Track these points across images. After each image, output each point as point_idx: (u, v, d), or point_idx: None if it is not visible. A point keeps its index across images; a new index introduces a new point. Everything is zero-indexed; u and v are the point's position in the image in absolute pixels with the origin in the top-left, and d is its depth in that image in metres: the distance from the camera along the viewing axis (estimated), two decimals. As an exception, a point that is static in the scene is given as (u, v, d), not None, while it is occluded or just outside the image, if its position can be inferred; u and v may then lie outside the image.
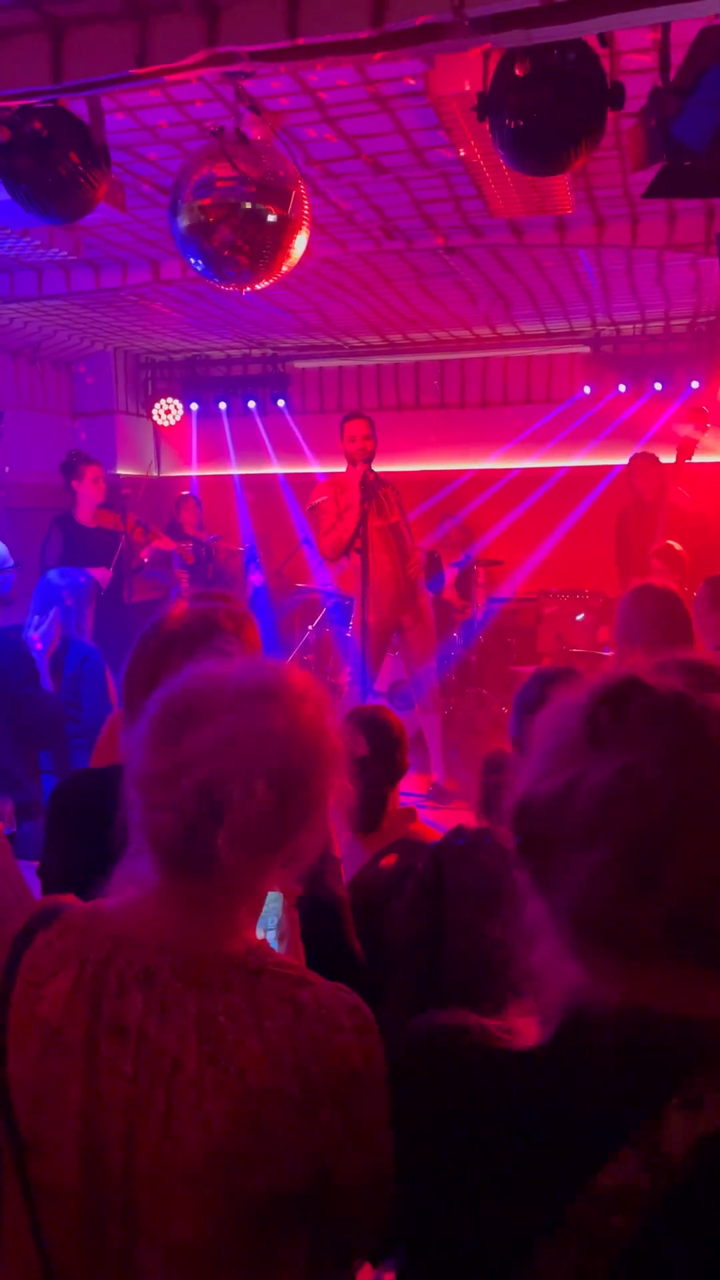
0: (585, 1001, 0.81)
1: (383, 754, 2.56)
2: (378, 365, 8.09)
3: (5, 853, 1.52)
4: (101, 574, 5.40)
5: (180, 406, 8.14)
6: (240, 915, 1.07)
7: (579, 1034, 0.81)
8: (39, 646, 3.23)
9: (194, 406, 8.16)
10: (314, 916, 1.53)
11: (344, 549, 5.44)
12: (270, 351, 8.00)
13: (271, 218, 2.61)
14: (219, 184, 2.61)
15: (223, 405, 8.12)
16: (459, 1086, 0.86)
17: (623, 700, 0.82)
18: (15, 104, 2.64)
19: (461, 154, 3.47)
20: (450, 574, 7.00)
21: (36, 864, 2.22)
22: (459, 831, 1.81)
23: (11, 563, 3.16)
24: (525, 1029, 0.86)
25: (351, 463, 5.33)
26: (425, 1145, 0.88)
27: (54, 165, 2.65)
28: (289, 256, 2.75)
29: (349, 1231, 1.06)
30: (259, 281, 2.79)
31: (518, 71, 2.26)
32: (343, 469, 5.60)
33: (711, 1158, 0.73)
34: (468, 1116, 0.84)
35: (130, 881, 1.08)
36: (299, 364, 8.17)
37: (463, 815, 4.82)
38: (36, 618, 3.27)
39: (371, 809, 2.50)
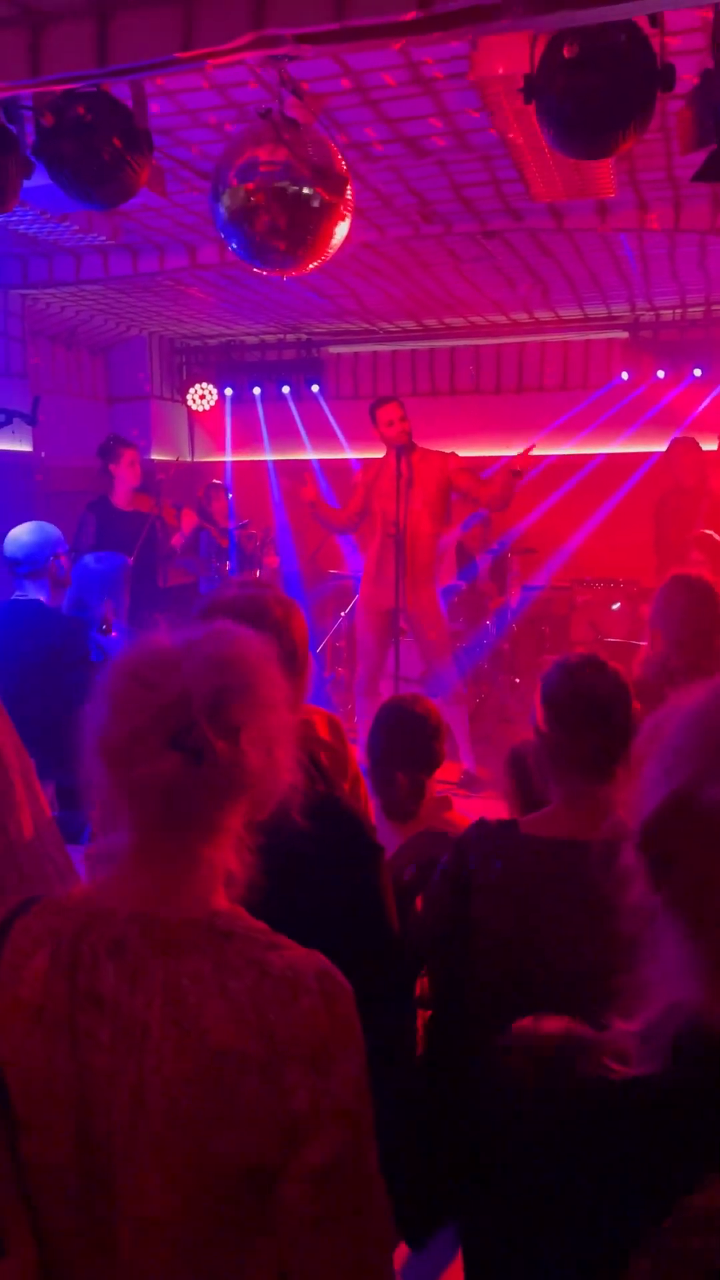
0: (707, 1026, 0.77)
1: (419, 744, 2.57)
2: (412, 351, 8.04)
3: (54, 836, 1.53)
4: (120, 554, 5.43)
5: (214, 391, 8.14)
6: (196, 880, 1.07)
7: (697, 1060, 0.77)
8: (108, 631, 3.26)
9: (228, 392, 8.16)
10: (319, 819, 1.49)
11: (341, 524, 5.60)
12: (305, 337, 7.97)
13: (315, 202, 2.60)
14: (262, 168, 2.59)
15: (257, 390, 8.12)
16: (566, 1106, 0.82)
17: None
18: (59, 88, 2.64)
19: (506, 136, 3.42)
20: (484, 562, 6.96)
21: (84, 847, 2.24)
22: (483, 824, 1.79)
23: (66, 547, 3.20)
24: (625, 1046, 0.81)
25: (391, 447, 5.30)
26: (518, 1156, 0.84)
27: (97, 150, 2.65)
28: (331, 242, 2.73)
29: (319, 1232, 1.00)
30: (300, 267, 2.78)
31: (566, 53, 2.23)
32: (375, 454, 5.60)
33: None
34: (571, 1134, 0.80)
35: (105, 860, 1.10)
36: (333, 349, 8.14)
37: (494, 803, 4.81)
38: (78, 601, 3.30)
39: (411, 799, 2.51)
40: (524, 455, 5.10)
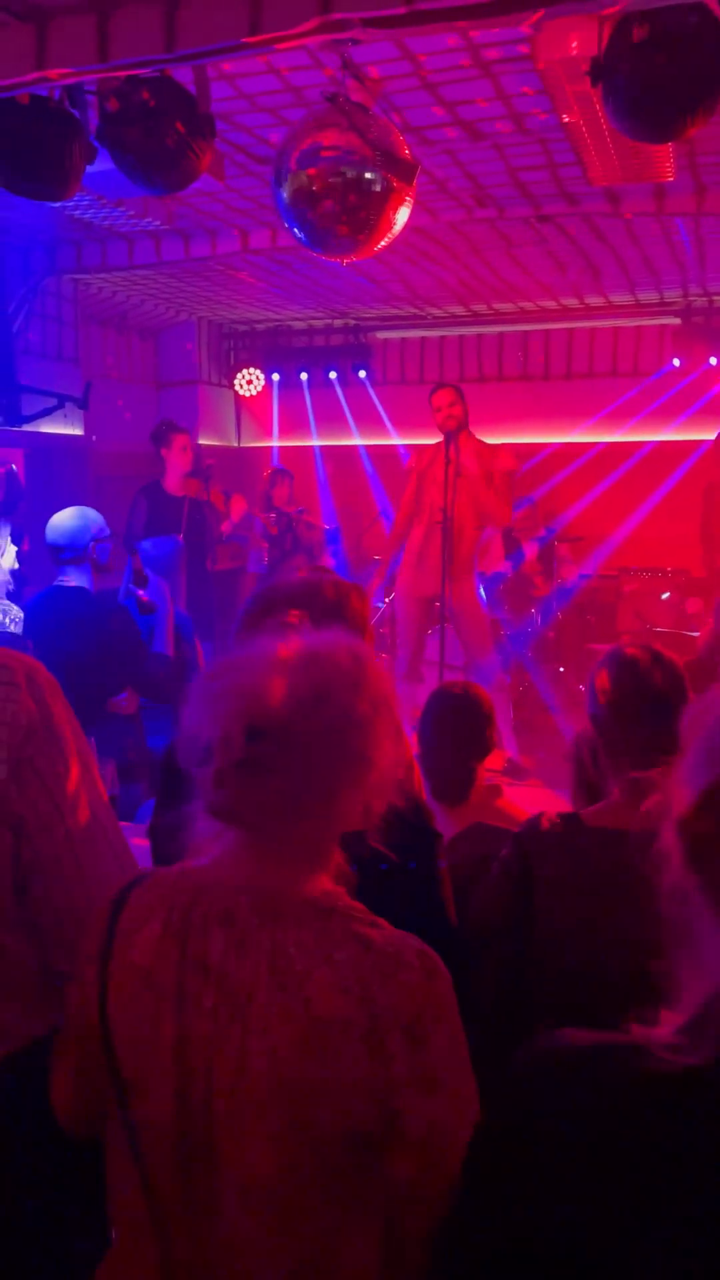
0: None
1: (471, 730, 2.58)
2: (460, 336, 8.00)
3: (111, 819, 1.56)
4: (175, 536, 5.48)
5: (262, 377, 8.16)
6: (300, 866, 1.11)
7: None
8: (155, 611, 3.27)
9: (275, 377, 8.18)
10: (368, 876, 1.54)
11: (405, 528, 5.59)
12: (352, 322, 7.96)
13: (377, 187, 2.59)
14: (324, 153, 2.60)
15: (304, 376, 8.12)
16: (622, 1102, 0.79)
17: None
18: (124, 74, 2.66)
19: (565, 119, 3.39)
20: (531, 550, 6.92)
21: (137, 825, 2.29)
22: (543, 817, 1.79)
23: (109, 532, 3.20)
24: (670, 1040, 0.80)
25: (441, 433, 5.29)
26: (575, 1168, 0.80)
27: (161, 136, 2.67)
28: (391, 227, 2.73)
29: (414, 1202, 1.05)
30: (362, 252, 2.79)
31: (636, 35, 2.20)
32: (423, 440, 5.60)
33: None
34: (628, 1141, 0.78)
35: (209, 838, 1.14)
36: (381, 334, 8.12)
37: (538, 792, 4.80)
38: (131, 586, 3.31)
39: (459, 783, 2.52)
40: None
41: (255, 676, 1.08)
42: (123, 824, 1.79)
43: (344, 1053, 1.01)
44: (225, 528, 6.19)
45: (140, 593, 3.24)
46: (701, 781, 0.79)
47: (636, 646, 1.79)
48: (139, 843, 1.96)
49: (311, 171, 2.62)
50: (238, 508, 6.29)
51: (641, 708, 1.68)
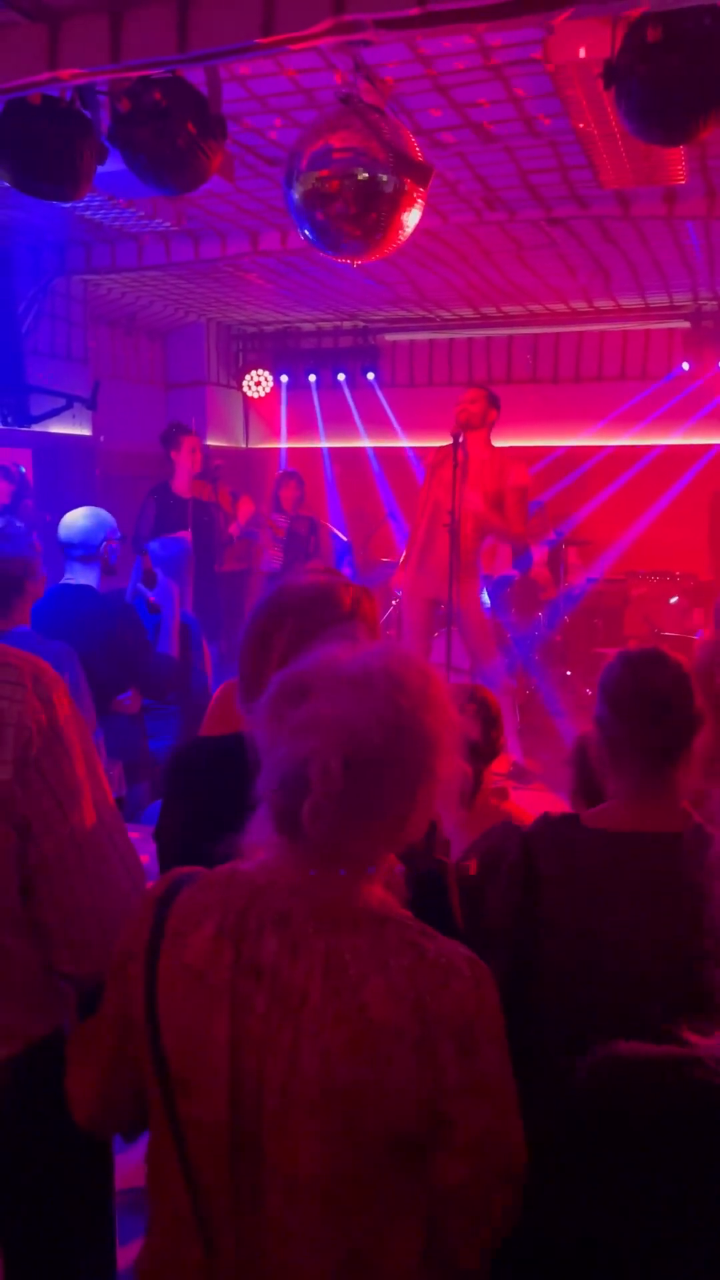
0: None
1: (479, 732, 2.57)
2: (469, 339, 7.99)
3: (116, 820, 1.56)
4: (183, 533, 5.48)
5: (270, 378, 8.16)
6: (358, 876, 1.12)
7: None
8: (160, 612, 3.26)
9: (284, 378, 8.18)
10: (420, 888, 1.56)
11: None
12: (361, 324, 7.96)
13: (389, 189, 2.59)
14: (336, 154, 2.59)
15: (312, 378, 8.12)
16: (685, 1117, 0.80)
17: None
18: (136, 74, 2.66)
19: (579, 123, 3.38)
20: (539, 553, 6.91)
21: (142, 826, 2.28)
22: (547, 819, 1.79)
23: (119, 534, 3.20)
24: None
25: (455, 424, 5.28)
26: (634, 1177, 0.82)
27: (173, 136, 2.67)
28: (402, 229, 2.73)
29: (462, 1205, 1.07)
30: (372, 253, 2.78)
31: (650, 37, 2.19)
32: (431, 443, 5.59)
33: None
34: (688, 1151, 0.79)
35: (261, 843, 1.14)
36: (389, 337, 8.11)
37: (543, 795, 4.79)
38: (140, 587, 3.31)
39: (466, 785, 2.52)
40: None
41: (342, 706, 1.08)
42: (127, 825, 1.78)
43: (395, 1058, 1.03)
44: (233, 529, 6.19)
45: (148, 594, 3.24)
46: None
47: (645, 649, 1.78)
48: (142, 844, 1.95)
49: (323, 173, 2.61)
50: (245, 509, 6.29)
51: (645, 710, 1.67)
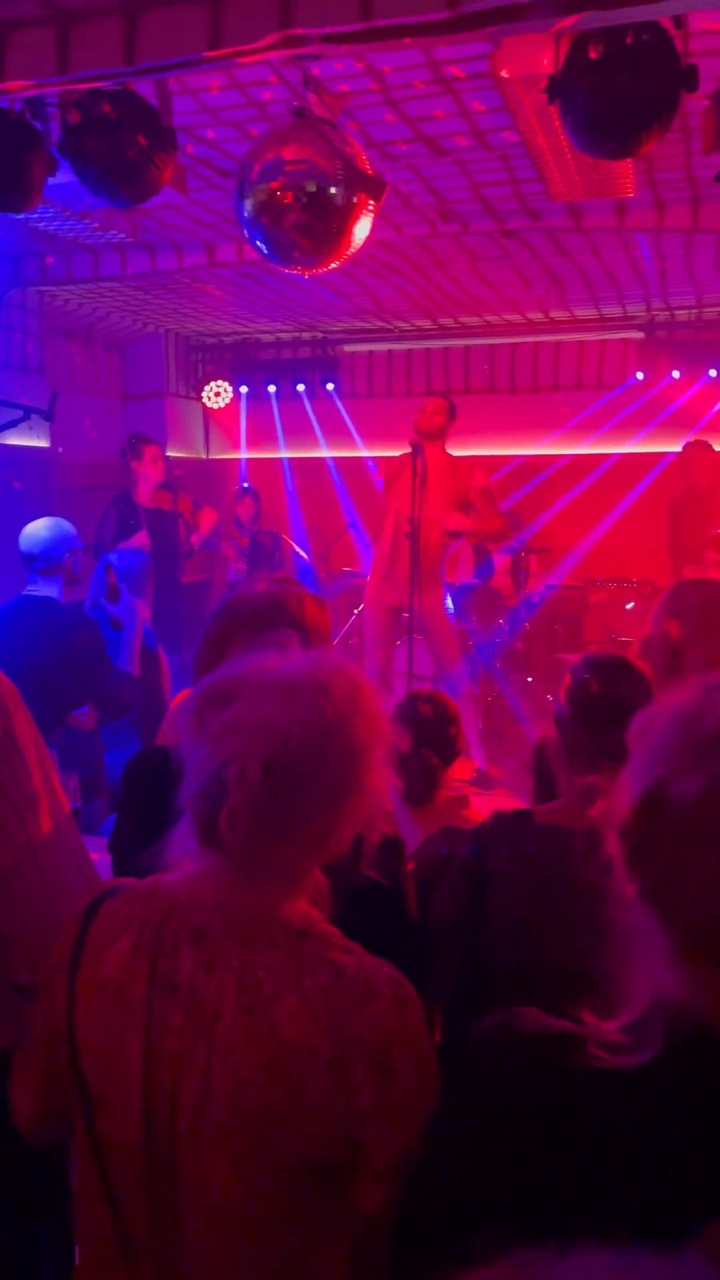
0: (697, 1019, 0.77)
1: (437, 734, 2.61)
2: (428, 349, 8.05)
3: (72, 829, 1.55)
4: (141, 538, 5.46)
5: (230, 389, 8.16)
6: (280, 889, 1.10)
7: (687, 1054, 0.77)
8: (122, 629, 3.24)
9: (243, 389, 8.18)
10: (349, 903, 1.56)
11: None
12: (320, 335, 7.99)
13: (339, 200, 2.61)
14: (287, 166, 2.61)
15: (272, 388, 8.13)
16: (550, 1102, 0.81)
17: None
18: (85, 86, 2.66)
19: (528, 136, 3.43)
20: (500, 561, 6.97)
21: (101, 839, 2.26)
22: (499, 814, 1.81)
23: (80, 544, 3.19)
24: (616, 1038, 0.81)
25: (416, 434, 5.33)
26: (500, 1159, 0.83)
27: (123, 148, 2.67)
28: (353, 240, 2.75)
29: (384, 1233, 1.03)
30: (322, 265, 2.80)
31: (591, 54, 2.24)
32: (391, 453, 5.63)
33: None
34: (556, 1135, 0.80)
35: (186, 855, 1.12)
36: (348, 348, 8.15)
37: (507, 801, 4.81)
38: (102, 601, 3.28)
39: (425, 782, 2.54)
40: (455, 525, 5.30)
41: (265, 710, 1.05)
42: (85, 839, 1.77)
43: (308, 1081, 0.99)
44: (195, 539, 6.17)
45: (111, 609, 3.23)
46: (640, 787, 0.81)
47: (610, 655, 1.81)
48: (99, 857, 1.94)
49: (274, 184, 2.63)
50: (207, 519, 6.28)
51: (602, 713, 1.70)
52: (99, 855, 1.82)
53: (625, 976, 0.82)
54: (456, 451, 5.57)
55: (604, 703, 1.72)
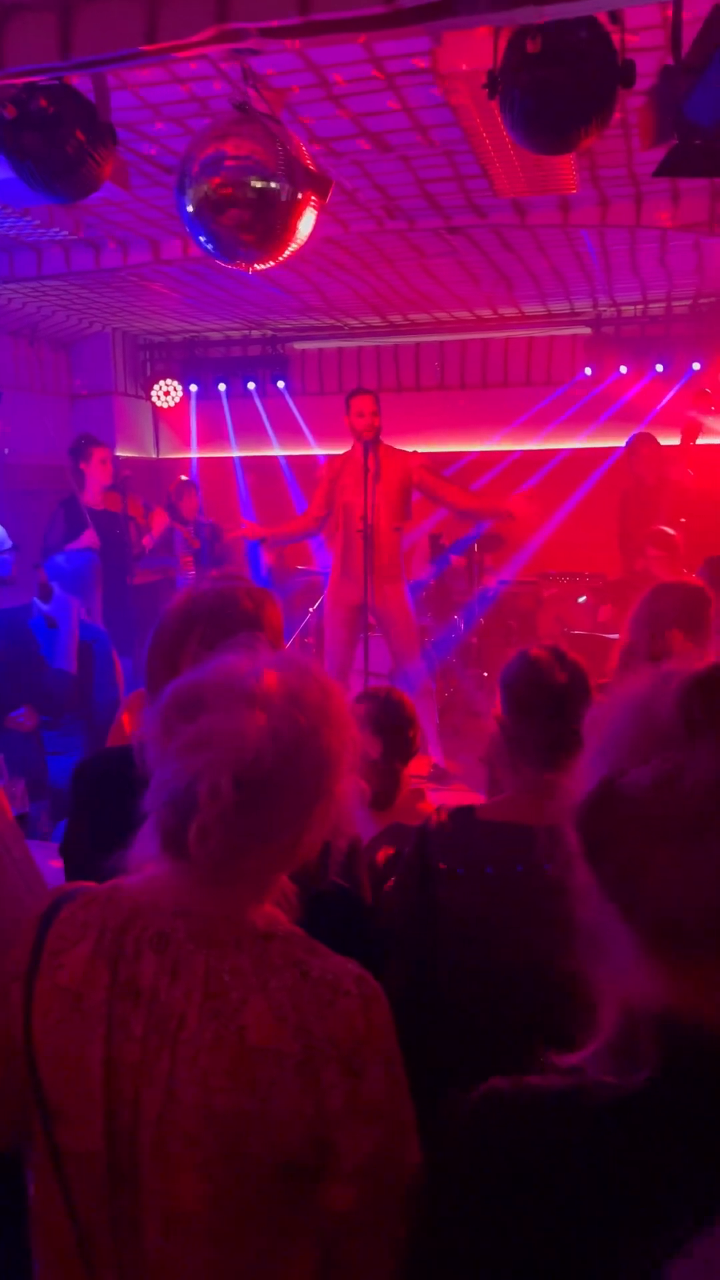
0: (684, 1022, 0.74)
1: (394, 734, 2.60)
2: (378, 347, 8.05)
3: (17, 837, 1.53)
4: (89, 537, 5.40)
5: (179, 388, 8.10)
6: (246, 894, 1.08)
7: (688, 1062, 0.74)
8: (57, 627, 3.19)
9: (193, 388, 8.13)
10: (317, 909, 1.56)
11: (304, 529, 5.66)
12: (270, 333, 7.96)
13: (282, 196, 2.60)
14: (228, 162, 2.59)
15: (222, 387, 8.09)
16: (572, 1151, 0.75)
17: None
18: (21, 81, 2.62)
19: (471, 132, 3.44)
20: (454, 556, 7.00)
21: (43, 844, 2.23)
22: (441, 812, 1.81)
23: (10, 544, 3.14)
24: (600, 1064, 0.78)
25: (357, 439, 5.31)
26: (531, 1210, 0.76)
27: (60, 143, 2.63)
28: (296, 235, 2.74)
29: (355, 1231, 1.02)
30: (266, 261, 2.78)
31: (529, 48, 2.25)
32: (342, 450, 5.61)
33: None
34: (582, 1179, 0.74)
35: (147, 858, 1.10)
36: (299, 345, 8.13)
37: (464, 796, 4.85)
38: (35, 600, 3.23)
39: (385, 787, 2.53)
40: (522, 506, 5.27)
41: (236, 720, 1.03)
42: (30, 842, 1.74)
43: (277, 1084, 0.98)
44: (146, 541, 6.12)
45: (44, 608, 3.18)
46: (594, 780, 0.80)
47: (541, 647, 1.81)
48: (52, 864, 1.91)
49: (215, 180, 2.61)
50: (159, 521, 6.22)
51: (542, 706, 1.71)
52: (41, 859, 1.79)
53: (589, 972, 0.80)
54: (415, 448, 5.61)
55: (542, 693, 1.73)
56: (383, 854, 2.12)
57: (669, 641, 2.76)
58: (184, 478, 7.29)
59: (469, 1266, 0.78)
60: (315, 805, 1.07)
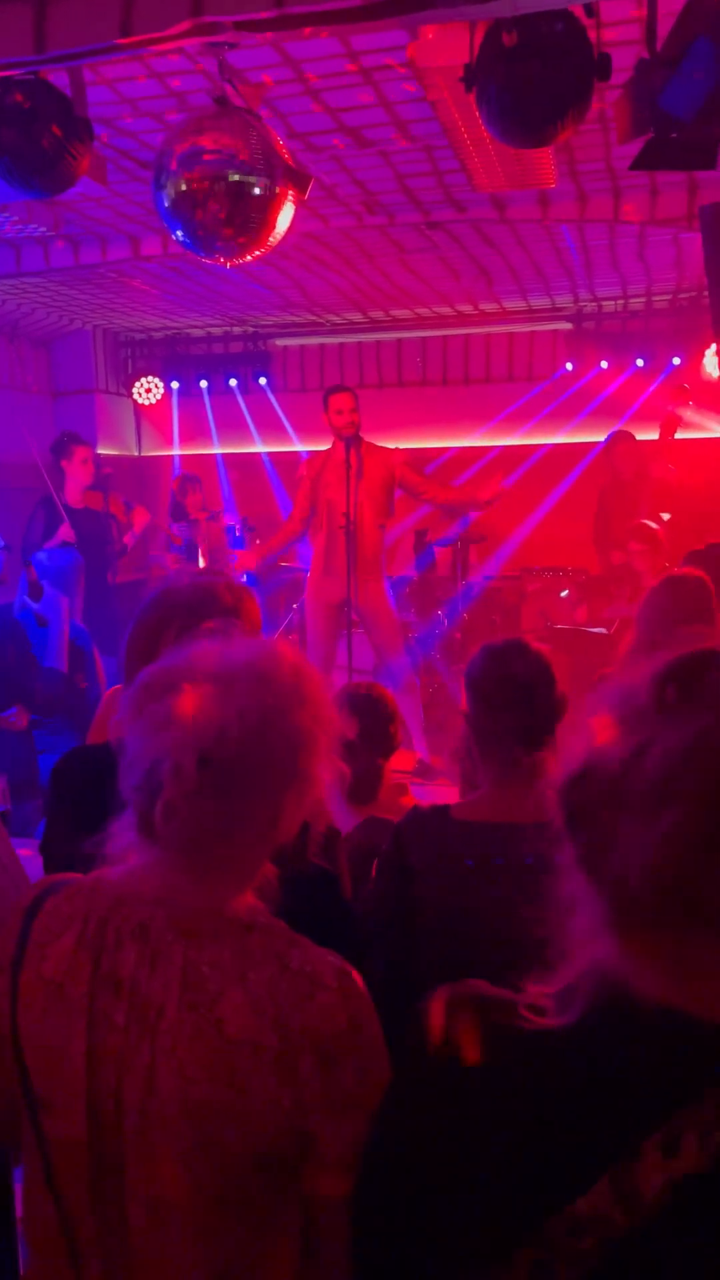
0: (619, 985, 0.79)
1: (376, 728, 2.60)
2: (359, 343, 8.05)
3: (1, 834, 1.53)
4: (65, 532, 5.38)
5: (161, 385, 8.07)
6: (226, 882, 1.08)
7: (606, 1020, 0.79)
8: (48, 626, 3.18)
9: (175, 385, 8.10)
10: (296, 891, 1.56)
11: (295, 534, 5.65)
12: (251, 329, 7.94)
13: (259, 190, 2.59)
14: (206, 156, 2.59)
15: (204, 384, 8.06)
16: (475, 1065, 0.84)
17: (701, 669, 0.80)
18: (-4, 75, 2.60)
19: (449, 127, 3.44)
20: (438, 552, 7.00)
21: (33, 841, 2.23)
22: (416, 811, 1.82)
23: (2, 543, 3.13)
24: (544, 1003, 0.84)
25: (338, 437, 5.30)
26: (420, 1123, 0.86)
27: (36, 138, 2.62)
28: (275, 230, 2.73)
29: (338, 1221, 1.02)
30: (244, 255, 2.78)
31: (505, 41, 2.25)
32: (325, 446, 5.60)
33: (679, 1203, 0.72)
34: (472, 1096, 0.83)
35: (129, 849, 1.10)
36: (280, 342, 8.12)
37: (448, 790, 4.87)
38: (26, 599, 3.23)
39: (367, 782, 2.53)
40: (495, 490, 5.28)
41: (202, 700, 1.03)
42: (15, 840, 1.74)
43: (254, 1076, 0.99)
44: (128, 539, 6.09)
45: (34, 607, 3.17)
46: (579, 756, 0.84)
47: (507, 639, 1.83)
48: (31, 857, 1.90)
49: (193, 174, 2.60)
50: (140, 519, 6.20)
51: (507, 697, 1.71)
52: (31, 855, 1.79)
53: (564, 943, 0.84)
54: (397, 444, 5.61)
55: (508, 685, 1.74)
56: (353, 845, 2.12)
57: (683, 636, 2.76)
58: (187, 474, 7.26)
59: (412, 1162, 0.86)
60: (290, 786, 1.07)
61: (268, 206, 2.68)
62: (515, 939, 1.53)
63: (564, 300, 7.08)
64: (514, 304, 7.14)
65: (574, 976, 0.83)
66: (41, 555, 4.48)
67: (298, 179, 2.74)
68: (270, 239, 2.75)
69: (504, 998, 0.87)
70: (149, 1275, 1.03)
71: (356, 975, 1.06)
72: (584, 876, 0.81)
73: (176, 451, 8.32)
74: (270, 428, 8.06)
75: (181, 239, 2.80)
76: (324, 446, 5.65)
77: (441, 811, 1.75)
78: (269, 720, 1.04)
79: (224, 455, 8.20)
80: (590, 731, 0.84)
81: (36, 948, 1.08)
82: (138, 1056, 1.01)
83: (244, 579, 6.74)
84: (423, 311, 7.32)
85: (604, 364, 7.22)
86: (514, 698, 1.71)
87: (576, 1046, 0.80)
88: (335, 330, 7.83)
